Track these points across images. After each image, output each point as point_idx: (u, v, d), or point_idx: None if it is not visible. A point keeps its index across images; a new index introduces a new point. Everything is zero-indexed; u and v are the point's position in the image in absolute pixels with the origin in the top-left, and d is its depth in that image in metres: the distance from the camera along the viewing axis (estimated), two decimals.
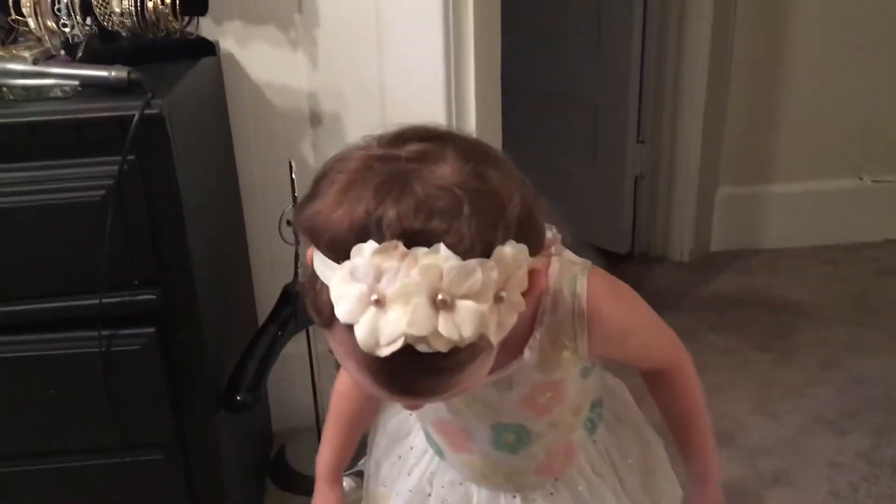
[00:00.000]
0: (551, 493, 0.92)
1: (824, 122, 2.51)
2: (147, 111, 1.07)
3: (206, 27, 1.46)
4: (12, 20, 1.31)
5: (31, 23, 1.26)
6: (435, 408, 0.87)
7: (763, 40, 2.43)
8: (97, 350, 1.15)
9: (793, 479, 1.61)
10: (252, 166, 1.60)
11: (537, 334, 0.78)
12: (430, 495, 0.97)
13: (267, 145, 1.59)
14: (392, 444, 1.04)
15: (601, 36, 2.48)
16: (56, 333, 1.17)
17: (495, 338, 0.60)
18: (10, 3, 1.27)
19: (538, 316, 0.78)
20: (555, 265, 0.78)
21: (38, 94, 1.16)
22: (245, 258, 1.62)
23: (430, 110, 1.54)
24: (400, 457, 1.02)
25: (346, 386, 0.98)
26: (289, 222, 1.47)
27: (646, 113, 2.51)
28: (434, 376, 0.60)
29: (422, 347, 0.57)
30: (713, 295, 2.37)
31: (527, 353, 0.79)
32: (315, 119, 1.58)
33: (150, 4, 1.26)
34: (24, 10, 1.26)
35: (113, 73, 1.11)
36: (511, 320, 0.61)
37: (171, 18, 1.28)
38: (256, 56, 1.53)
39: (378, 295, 0.56)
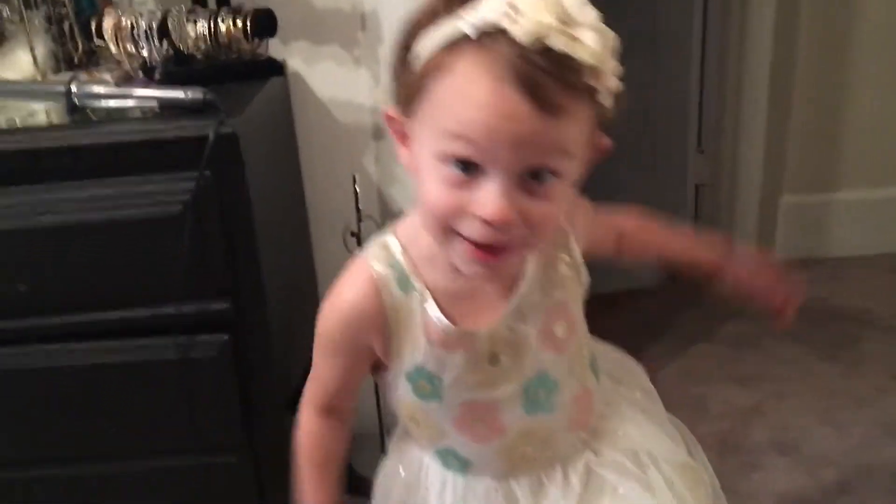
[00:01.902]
0: (588, 457, 0.89)
1: (889, 128, 2.47)
2: (221, 130, 1.13)
3: (274, 48, 1.52)
4: (94, 45, 1.40)
5: (112, 47, 1.34)
6: (465, 389, 0.82)
7: (827, 46, 2.40)
8: (174, 357, 1.22)
9: (856, 489, 1.59)
10: (317, 180, 1.65)
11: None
12: None
13: (332, 160, 1.64)
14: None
15: (659, 44, 2.48)
16: (136, 340, 1.23)
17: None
18: (93, 29, 1.35)
19: None
20: None
21: (119, 114, 1.23)
22: (311, 270, 1.68)
23: None
24: None
25: (309, 423, 0.93)
26: (353, 234, 1.53)
27: (706, 121, 2.51)
28: (563, 88, 0.63)
29: (559, 42, 0.62)
30: None
31: (525, 268, 0.81)
32: (378, 133, 1.63)
33: (223, 28, 1.32)
34: (105, 35, 1.34)
35: (189, 94, 1.18)
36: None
37: (242, 41, 1.34)
38: (321, 74, 1.59)
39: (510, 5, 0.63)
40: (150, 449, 1.31)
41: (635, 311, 2.32)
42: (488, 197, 0.65)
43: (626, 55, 2.47)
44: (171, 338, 1.21)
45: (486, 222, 0.66)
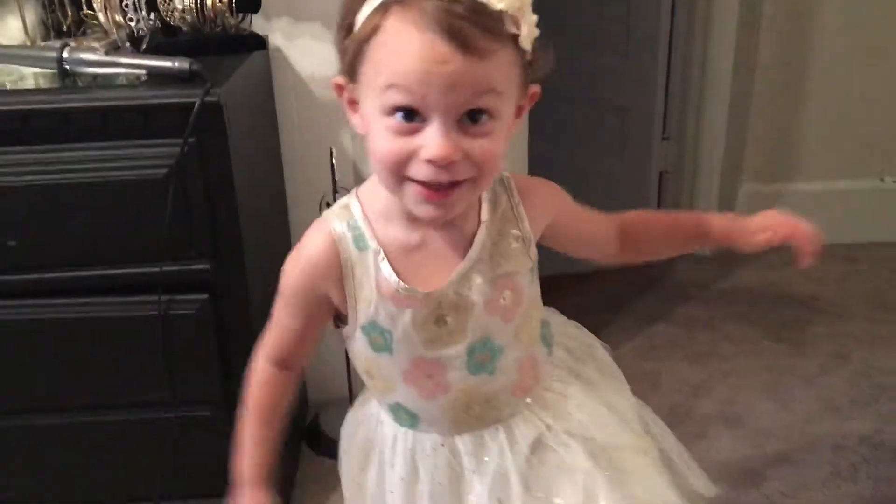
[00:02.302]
0: (528, 414, 0.93)
1: (847, 123, 2.58)
2: (207, 99, 1.19)
3: (257, 23, 1.58)
4: (83, 14, 1.45)
5: (101, 17, 1.39)
6: (413, 345, 0.86)
7: (787, 41, 2.50)
8: (156, 313, 1.28)
9: (796, 459, 1.69)
10: (296, 152, 1.72)
11: (485, 217, 0.86)
12: (419, 479, 0.94)
13: (310, 133, 1.71)
14: (365, 457, 1.00)
15: (629, 37, 2.57)
16: (119, 297, 1.29)
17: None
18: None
19: (483, 204, 0.86)
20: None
21: (106, 81, 1.29)
22: (287, 238, 1.74)
23: None
24: (378, 458, 0.98)
25: (263, 372, 0.97)
26: (328, 204, 1.59)
27: (672, 110, 2.60)
28: (481, 31, 0.70)
29: None
30: (732, 288, 2.45)
31: (484, 212, 0.86)
32: None
33: (209, 2, 1.38)
34: (94, 5, 1.39)
35: (176, 64, 1.24)
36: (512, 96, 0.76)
37: (227, 15, 1.40)
38: (301, 50, 1.65)
39: None
40: (129, 401, 1.37)
41: (600, 290, 2.42)
42: (431, 139, 0.72)
43: (599, 48, 2.55)
44: (154, 296, 1.27)
45: (432, 162, 0.72)
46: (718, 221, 1.02)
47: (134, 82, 1.27)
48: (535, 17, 0.75)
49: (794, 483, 1.63)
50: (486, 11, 0.70)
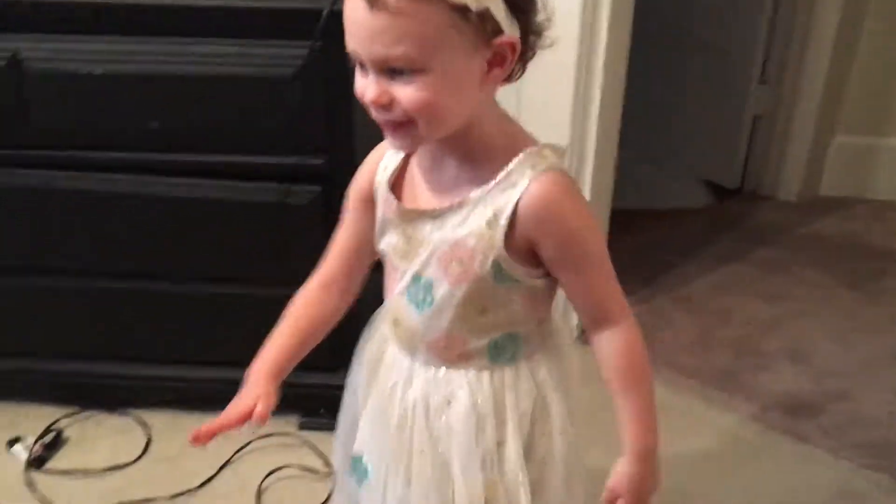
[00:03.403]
0: (430, 380, 0.94)
1: None
2: (335, 7, 1.30)
3: None
4: None
5: None
6: (388, 245, 0.92)
7: None
8: (273, 200, 1.43)
9: (856, 397, 1.77)
10: None
11: (493, 183, 0.84)
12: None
13: None
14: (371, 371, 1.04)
15: None
16: (243, 182, 1.44)
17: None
18: None
19: (499, 175, 0.84)
20: (532, 152, 0.85)
21: None
22: None
23: (562, 37, 1.68)
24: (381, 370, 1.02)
25: (306, 288, 1.02)
26: None
27: (772, 54, 2.60)
28: None
29: None
30: (813, 235, 2.48)
31: (478, 193, 0.85)
32: None
33: None
34: None
35: None
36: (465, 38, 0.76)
37: None
38: None
39: None
40: (243, 277, 1.53)
41: (678, 228, 2.48)
42: (366, 85, 0.80)
43: None
44: (274, 184, 1.42)
45: (371, 103, 0.81)
46: (630, 448, 0.91)
47: None
48: None
49: (850, 419, 1.71)
50: None
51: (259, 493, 1.52)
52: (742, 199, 2.74)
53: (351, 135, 1.42)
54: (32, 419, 1.67)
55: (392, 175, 0.93)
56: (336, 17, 1.30)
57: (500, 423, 0.92)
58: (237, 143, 1.41)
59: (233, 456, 1.60)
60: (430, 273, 0.89)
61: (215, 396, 1.64)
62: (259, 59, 1.35)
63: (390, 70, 0.78)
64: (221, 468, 1.57)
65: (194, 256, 1.51)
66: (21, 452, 1.59)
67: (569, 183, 0.87)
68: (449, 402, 0.93)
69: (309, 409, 1.65)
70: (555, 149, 0.87)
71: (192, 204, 1.45)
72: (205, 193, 1.45)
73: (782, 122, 2.65)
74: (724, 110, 2.74)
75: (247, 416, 0.91)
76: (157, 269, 1.54)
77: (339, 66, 1.35)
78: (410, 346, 0.95)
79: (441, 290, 0.89)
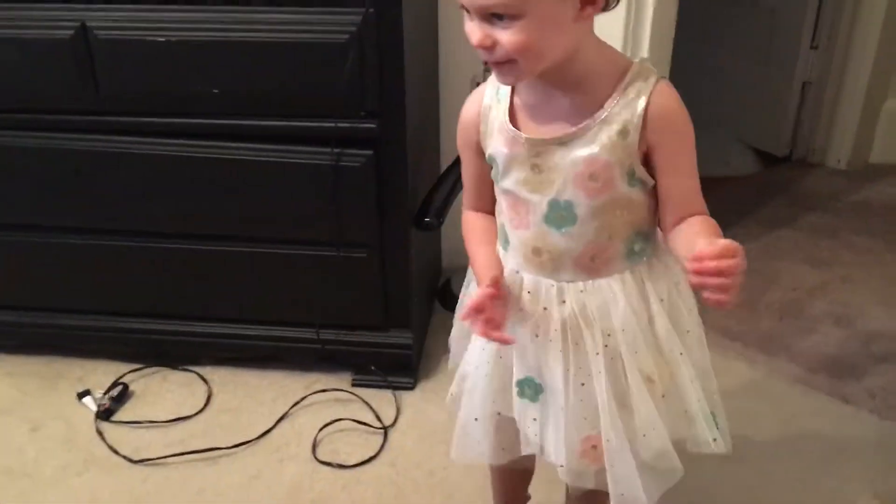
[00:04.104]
0: (581, 291, 1.02)
1: None
2: None
3: None
4: None
5: None
6: (512, 181, 0.99)
7: None
8: (328, 163, 1.48)
9: None
10: (452, 34, 1.85)
11: (613, 101, 0.93)
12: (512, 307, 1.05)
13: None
14: None
15: None
16: (299, 147, 1.50)
17: None
18: None
19: (616, 87, 0.93)
20: (637, 66, 0.94)
21: None
22: (436, 109, 1.91)
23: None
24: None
25: (467, 218, 1.12)
26: (478, 84, 1.74)
27: (823, 18, 2.57)
28: None
29: None
30: (863, 201, 2.47)
31: (612, 99, 0.93)
32: None
33: None
34: None
35: None
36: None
37: None
38: None
39: None
40: (300, 238, 1.59)
41: (729, 194, 2.49)
42: (471, 29, 0.89)
43: None
44: (328, 148, 1.47)
45: (476, 46, 0.89)
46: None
47: None
48: None
49: (894, 381, 1.72)
50: None
51: (314, 445, 1.59)
52: (791, 167, 2.73)
53: (402, 100, 1.46)
54: (101, 374, 1.77)
55: (506, 114, 0.99)
56: None
57: (648, 308, 1.03)
58: (293, 109, 1.46)
59: (289, 409, 1.66)
60: (568, 195, 0.97)
61: (272, 353, 1.73)
62: (315, 27, 1.39)
63: (492, 15, 0.86)
64: (279, 421, 1.64)
65: (252, 218, 1.57)
66: (91, 404, 1.68)
67: (677, 93, 0.96)
68: (606, 305, 1.01)
69: (360, 367, 1.72)
70: (650, 63, 0.96)
71: (251, 166, 1.51)
72: (262, 157, 1.50)
73: (832, 88, 2.63)
74: (774, 76, 2.72)
75: (492, 293, 0.98)
76: (218, 231, 1.61)
77: (391, 34, 1.41)
78: (555, 268, 1.02)
79: (582, 207, 0.97)
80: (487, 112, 1.01)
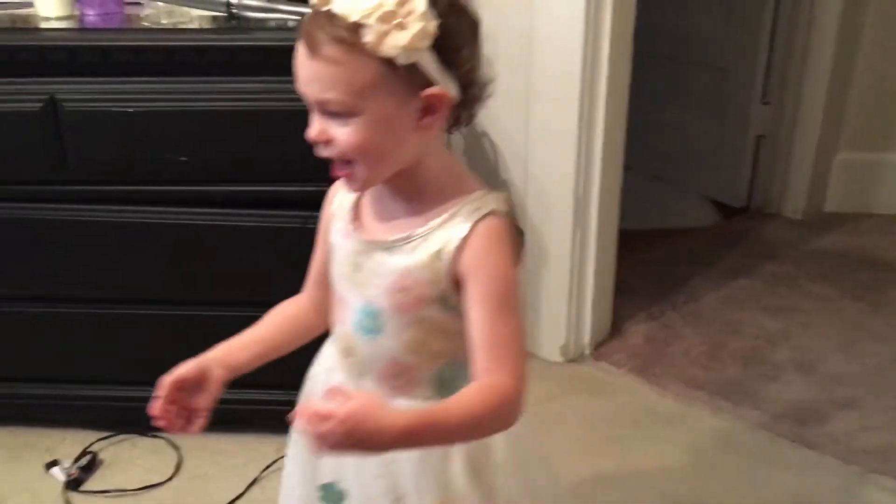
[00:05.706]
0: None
1: None
2: None
3: None
4: None
5: None
6: (337, 275, 0.98)
7: (895, 9, 2.53)
8: (296, 226, 1.51)
9: (862, 404, 1.81)
10: None
11: (439, 220, 0.90)
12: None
13: None
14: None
15: (734, 1, 2.65)
16: (265, 210, 1.53)
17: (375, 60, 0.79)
18: None
19: (450, 207, 0.90)
20: (478, 195, 0.90)
21: (260, 24, 1.50)
22: None
23: (567, 65, 1.73)
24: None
25: (288, 304, 1.11)
26: None
27: (773, 75, 2.68)
28: (330, 39, 0.79)
29: (336, 3, 0.79)
30: (819, 250, 2.54)
31: (424, 229, 0.90)
32: None
33: None
34: None
35: None
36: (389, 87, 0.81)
37: None
38: None
39: None
40: (267, 300, 1.59)
41: (686, 246, 2.54)
42: (311, 124, 0.87)
43: (703, 11, 2.65)
44: (294, 211, 1.50)
45: (311, 140, 0.87)
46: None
47: (287, 27, 1.48)
48: (421, 27, 0.79)
49: (857, 425, 1.75)
50: (339, 23, 0.79)
51: None
52: (748, 217, 2.81)
53: None
54: (69, 443, 1.75)
55: (351, 207, 0.99)
56: None
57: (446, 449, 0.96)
58: (261, 174, 1.50)
59: (261, 474, 1.66)
60: (380, 302, 0.93)
61: (242, 418, 1.73)
62: (283, 95, 1.43)
63: (329, 112, 0.84)
64: (250, 486, 1.63)
65: (220, 282, 1.59)
66: (59, 474, 1.66)
67: (507, 231, 0.90)
68: None
69: None
70: (497, 196, 0.92)
71: (219, 231, 1.54)
72: (230, 221, 1.53)
73: (785, 140, 2.73)
74: (728, 130, 2.82)
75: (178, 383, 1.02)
76: (186, 296, 1.62)
77: None
78: (360, 374, 0.99)
79: (390, 318, 0.94)
80: (343, 198, 1.01)
